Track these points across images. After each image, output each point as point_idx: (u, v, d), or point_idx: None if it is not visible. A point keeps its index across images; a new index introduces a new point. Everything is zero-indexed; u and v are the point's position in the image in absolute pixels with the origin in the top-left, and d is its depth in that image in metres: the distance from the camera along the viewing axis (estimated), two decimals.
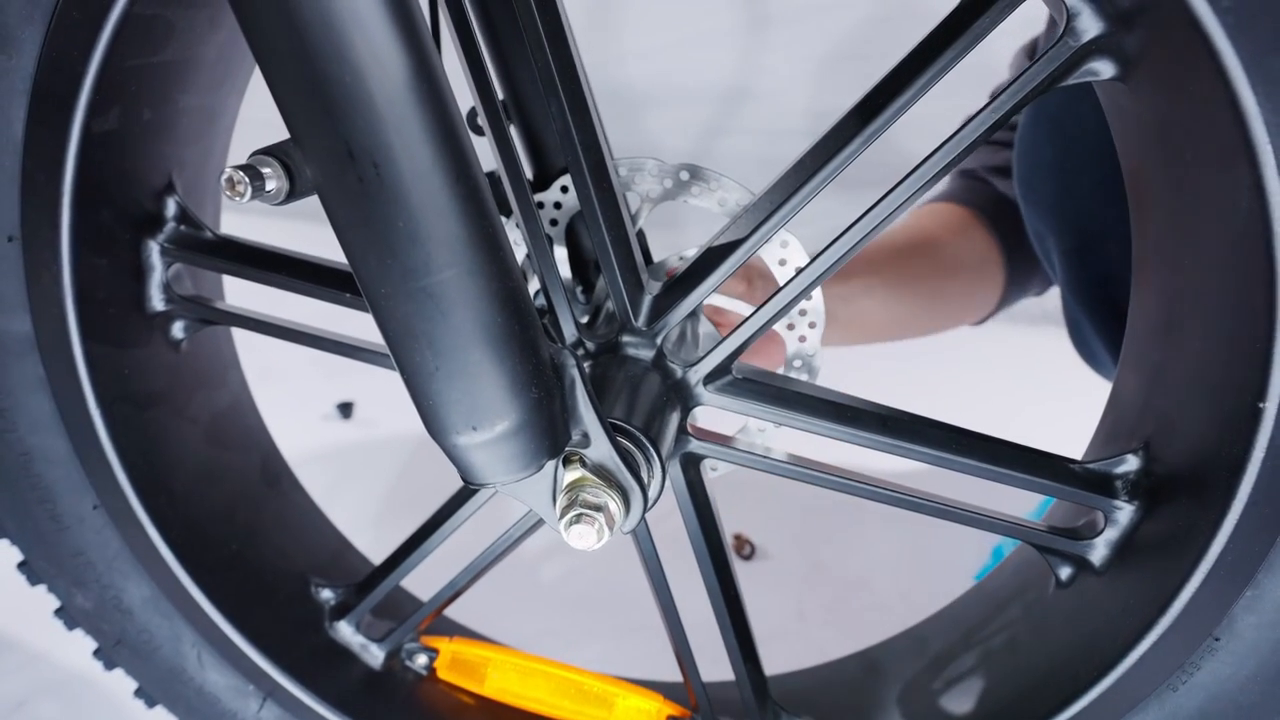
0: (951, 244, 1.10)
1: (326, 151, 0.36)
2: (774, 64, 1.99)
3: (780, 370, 0.65)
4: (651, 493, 0.52)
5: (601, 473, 0.49)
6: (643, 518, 0.51)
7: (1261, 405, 0.46)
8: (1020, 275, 1.13)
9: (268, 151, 0.39)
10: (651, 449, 0.53)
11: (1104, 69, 0.48)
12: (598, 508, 0.48)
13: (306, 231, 0.97)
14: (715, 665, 0.68)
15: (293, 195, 0.40)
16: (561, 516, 0.48)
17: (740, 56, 2.00)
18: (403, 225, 0.37)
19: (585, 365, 0.58)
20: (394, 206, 0.37)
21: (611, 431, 0.49)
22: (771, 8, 1.96)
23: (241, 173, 0.38)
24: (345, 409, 1.51)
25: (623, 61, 1.98)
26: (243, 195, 0.38)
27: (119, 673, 0.71)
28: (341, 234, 0.39)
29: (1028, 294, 1.17)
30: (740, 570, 1.16)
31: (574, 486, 0.49)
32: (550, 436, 0.46)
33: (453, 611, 0.76)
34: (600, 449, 0.48)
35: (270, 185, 0.39)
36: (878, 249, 1.04)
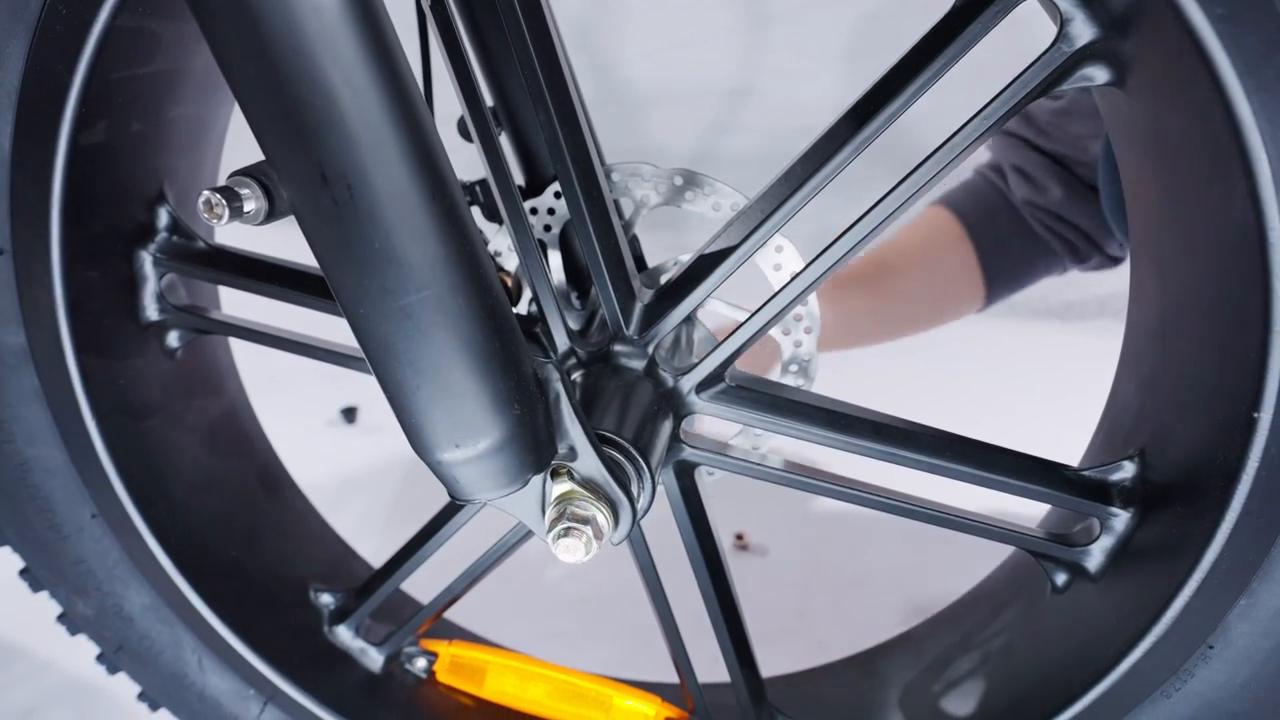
0: (915, 274, 1.12)
1: (300, 175, 0.36)
2: (776, 62, 1.98)
3: (777, 374, 0.65)
4: (641, 504, 0.52)
5: (590, 485, 0.49)
6: (633, 529, 0.51)
7: (1256, 415, 0.46)
8: (1004, 281, 1.14)
9: (245, 172, 0.39)
10: (641, 460, 0.52)
11: (1099, 74, 0.47)
12: (585, 520, 0.48)
13: (302, 239, 0.97)
14: (717, 663, 0.68)
15: (272, 215, 0.40)
16: (550, 529, 0.48)
17: (742, 55, 1.99)
18: (379, 246, 0.37)
19: (577, 375, 0.58)
20: (369, 228, 0.37)
21: (599, 444, 0.49)
22: (772, 6, 1.95)
23: (219, 195, 0.38)
24: (349, 413, 1.52)
25: (626, 62, 1.97)
26: (220, 218, 0.38)
27: (125, 678, 0.72)
28: (319, 255, 0.39)
29: (1026, 286, 1.17)
30: (741, 568, 1.16)
31: (562, 499, 0.49)
32: (534, 452, 0.46)
33: (456, 614, 0.76)
34: (587, 462, 0.48)
35: (249, 206, 0.39)
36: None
